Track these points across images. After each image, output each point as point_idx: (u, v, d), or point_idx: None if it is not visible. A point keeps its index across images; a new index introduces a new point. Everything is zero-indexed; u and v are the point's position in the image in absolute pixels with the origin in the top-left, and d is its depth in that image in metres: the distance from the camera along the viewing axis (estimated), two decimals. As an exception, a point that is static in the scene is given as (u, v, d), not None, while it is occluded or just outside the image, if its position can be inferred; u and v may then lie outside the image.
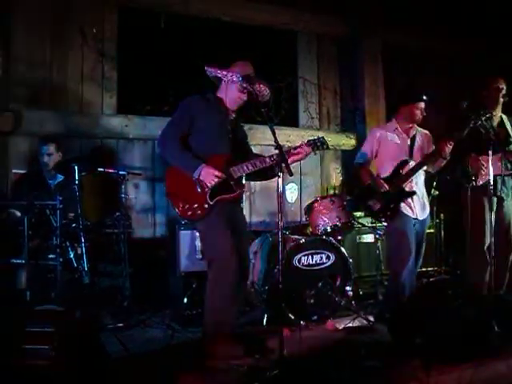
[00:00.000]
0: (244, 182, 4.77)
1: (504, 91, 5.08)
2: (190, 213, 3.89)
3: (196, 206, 3.87)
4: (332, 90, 7.41)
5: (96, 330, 3.63)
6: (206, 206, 3.88)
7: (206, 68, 4.10)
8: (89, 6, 5.96)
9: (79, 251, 4.65)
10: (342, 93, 7.48)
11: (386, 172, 4.84)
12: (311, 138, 4.08)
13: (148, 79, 6.08)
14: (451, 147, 4.58)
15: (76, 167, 4.64)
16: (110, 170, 5.10)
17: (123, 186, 5.11)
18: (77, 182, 4.62)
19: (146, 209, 6.07)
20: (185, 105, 4.05)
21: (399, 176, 4.76)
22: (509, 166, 5.03)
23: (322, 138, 4.07)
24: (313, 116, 7.21)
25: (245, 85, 3.98)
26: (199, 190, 3.86)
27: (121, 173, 5.09)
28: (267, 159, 3.97)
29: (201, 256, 5.00)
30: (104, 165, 5.18)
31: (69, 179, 4.74)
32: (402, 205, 4.75)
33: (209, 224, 3.92)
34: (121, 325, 4.57)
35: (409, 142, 4.89)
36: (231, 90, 4.06)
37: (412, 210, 4.77)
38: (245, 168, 3.98)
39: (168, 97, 6.02)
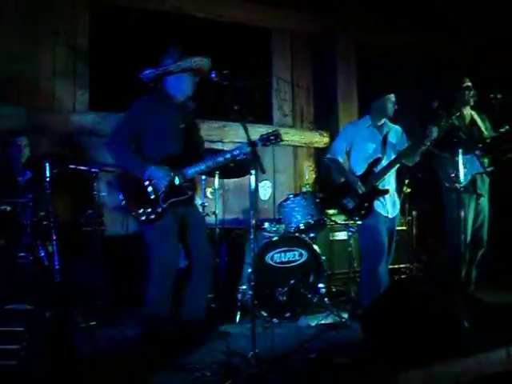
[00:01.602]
0: (217, 179, 4.79)
1: (472, 91, 5.16)
2: (144, 218, 3.86)
3: (150, 210, 3.85)
4: (305, 88, 7.44)
5: (67, 329, 3.58)
6: (160, 209, 3.86)
7: (142, 75, 4.04)
8: (61, 1, 5.89)
9: (50, 249, 4.60)
10: (316, 90, 7.51)
11: (360, 169, 4.85)
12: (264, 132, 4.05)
13: (121, 76, 6.03)
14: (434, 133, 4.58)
15: (47, 164, 4.58)
16: (82, 167, 5.05)
17: (95, 184, 5.06)
18: (48, 178, 4.56)
19: (119, 206, 6.01)
20: (135, 106, 4.00)
21: (373, 174, 4.78)
22: (486, 161, 5.10)
23: (276, 131, 4.04)
24: (286, 114, 7.23)
25: (188, 66, 3.97)
26: (152, 193, 3.85)
27: (93, 170, 5.03)
28: (220, 158, 3.96)
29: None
30: (76, 162, 5.13)
31: (39, 176, 4.67)
32: (376, 203, 4.78)
33: (159, 227, 3.91)
34: (93, 323, 4.53)
35: (382, 139, 4.89)
36: (181, 79, 4.02)
37: (384, 208, 4.80)
38: (197, 169, 3.97)
39: (141, 94, 5.97)
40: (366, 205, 4.75)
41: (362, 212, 4.77)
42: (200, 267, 4.11)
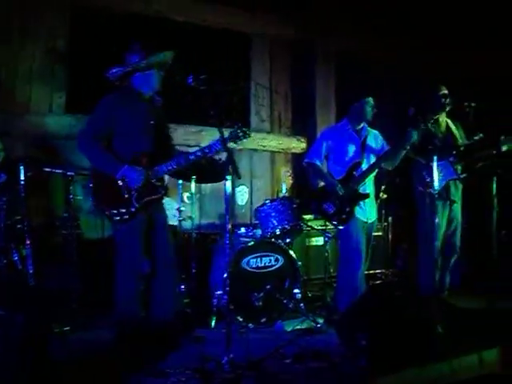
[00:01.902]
0: (193, 184, 4.78)
1: (448, 98, 5.21)
2: (117, 218, 3.86)
3: (123, 210, 3.84)
4: (284, 94, 7.46)
5: (41, 334, 3.55)
6: (133, 209, 3.86)
7: (109, 74, 4.03)
8: (40, 2, 5.84)
9: (24, 253, 4.55)
10: (294, 96, 7.53)
11: (339, 173, 4.85)
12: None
13: (99, 79, 5.97)
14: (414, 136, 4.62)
15: (22, 167, 4.54)
16: (57, 170, 5.01)
17: (71, 187, 5.02)
18: (22, 181, 4.52)
19: (94, 209, 5.97)
20: (101, 104, 3.98)
21: (353, 178, 4.77)
22: (459, 166, 5.16)
23: (240, 126, 4.04)
24: (264, 119, 7.24)
25: (156, 62, 3.98)
26: (125, 193, 3.84)
27: (68, 173, 4.99)
28: (191, 156, 3.98)
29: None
30: (51, 165, 5.08)
31: (14, 179, 4.62)
32: (355, 208, 4.78)
33: (130, 227, 3.90)
34: (68, 328, 4.48)
35: (360, 143, 4.89)
36: (148, 75, 4.02)
37: (363, 213, 4.81)
38: (169, 167, 3.97)
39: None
40: (347, 209, 4.75)
41: (343, 216, 4.76)
42: (165, 267, 4.11)
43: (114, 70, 4.02)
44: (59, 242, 5.10)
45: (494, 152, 4.95)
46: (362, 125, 4.94)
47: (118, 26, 6.15)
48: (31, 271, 4.47)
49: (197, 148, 4.18)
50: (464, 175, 5.17)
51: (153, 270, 4.12)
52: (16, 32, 5.73)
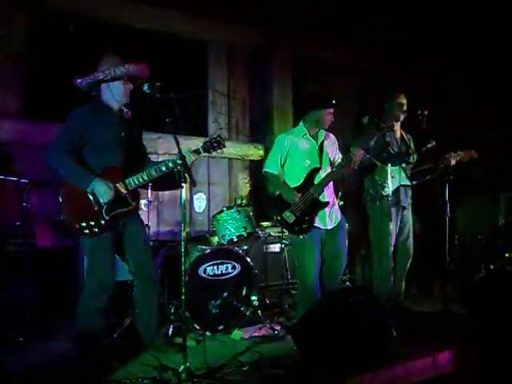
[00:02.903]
0: (150, 191, 4.76)
1: (405, 107, 5.30)
2: (87, 231, 3.81)
3: (93, 223, 3.81)
4: (241, 101, 7.47)
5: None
6: (103, 222, 3.83)
7: (77, 82, 4.01)
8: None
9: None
10: (252, 103, 7.56)
11: (297, 181, 4.69)
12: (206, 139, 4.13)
13: (56, 84, 5.90)
14: (361, 158, 4.57)
15: (-26, 174, 4.46)
16: (11, 178, 4.92)
17: (25, 195, 4.94)
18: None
19: (50, 218, 5.88)
20: (73, 117, 3.95)
21: (312, 185, 4.64)
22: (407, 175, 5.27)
23: (218, 136, 4.13)
24: (221, 126, 7.23)
25: (120, 74, 3.94)
26: (95, 206, 3.81)
27: (22, 181, 4.91)
28: (163, 167, 3.98)
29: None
30: (5, 172, 4.99)
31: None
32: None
33: (99, 240, 3.87)
34: (21, 339, 4.40)
35: (318, 148, 4.76)
36: (115, 87, 3.99)
37: (322, 221, 4.67)
38: (140, 179, 3.97)
39: (76, 103, 5.89)
40: (307, 218, 4.61)
41: (304, 226, 4.61)
42: (142, 279, 4.12)
43: (79, 81, 3.99)
44: (12, 250, 4.99)
45: (442, 165, 5.06)
46: (318, 129, 4.81)
47: (76, 30, 6.07)
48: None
49: (161, 156, 4.18)
50: (415, 182, 5.28)
51: (134, 281, 4.17)
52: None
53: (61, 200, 3.88)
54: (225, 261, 4.85)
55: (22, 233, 4.94)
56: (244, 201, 5.47)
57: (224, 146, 4.16)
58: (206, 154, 4.17)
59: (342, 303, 3.93)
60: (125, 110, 4.16)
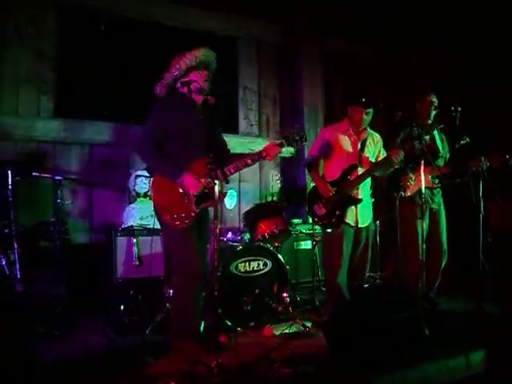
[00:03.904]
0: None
1: (435, 104, 5.21)
2: (177, 222, 3.89)
3: (184, 215, 3.89)
4: (272, 97, 7.47)
5: (24, 339, 3.54)
6: (193, 214, 3.91)
7: (157, 92, 4.05)
8: (25, 4, 5.80)
9: (12, 258, 4.54)
10: (282, 100, 7.55)
11: (334, 176, 4.72)
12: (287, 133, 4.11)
13: (88, 82, 5.98)
14: (401, 156, 4.56)
15: (9, 171, 4.53)
16: (46, 175, 5.00)
17: (59, 192, 5.01)
18: (10, 186, 4.51)
19: (83, 214, 5.97)
20: (156, 111, 3.99)
21: (347, 181, 4.66)
22: (436, 180, 5.17)
23: (301, 130, 4.09)
24: (252, 123, 7.24)
25: (197, 60, 3.98)
26: (186, 198, 3.89)
27: (57, 178, 4.99)
28: (248, 160, 4.02)
29: (138, 263, 4.95)
30: (40, 169, 5.07)
31: (1, 183, 4.60)
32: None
33: (187, 231, 3.93)
34: (56, 332, 4.47)
35: (359, 146, 4.77)
36: (196, 79, 4.00)
37: (353, 219, 4.70)
38: (231, 170, 4.01)
39: (108, 101, 5.97)
40: (337, 213, 4.65)
41: (333, 220, 4.67)
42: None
43: (159, 89, 4.05)
44: (47, 246, 5.07)
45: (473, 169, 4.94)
46: (362, 127, 4.80)
47: (106, 28, 6.13)
48: (19, 276, 4.46)
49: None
50: (445, 182, 5.18)
51: None
52: (2, 32, 5.68)
53: (153, 195, 4.02)
54: (256, 257, 4.86)
55: (56, 229, 5.00)
56: (275, 198, 5.47)
57: (305, 140, 4.12)
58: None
59: (374, 301, 3.92)
60: (208, 98, 4.15)
